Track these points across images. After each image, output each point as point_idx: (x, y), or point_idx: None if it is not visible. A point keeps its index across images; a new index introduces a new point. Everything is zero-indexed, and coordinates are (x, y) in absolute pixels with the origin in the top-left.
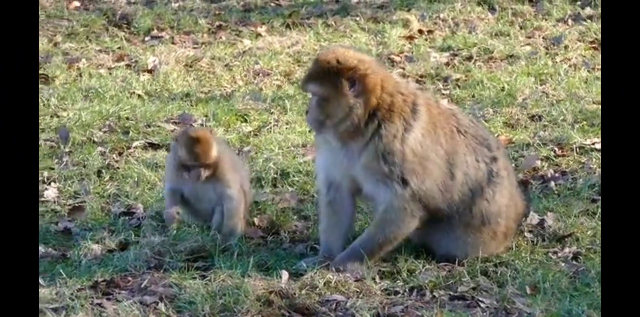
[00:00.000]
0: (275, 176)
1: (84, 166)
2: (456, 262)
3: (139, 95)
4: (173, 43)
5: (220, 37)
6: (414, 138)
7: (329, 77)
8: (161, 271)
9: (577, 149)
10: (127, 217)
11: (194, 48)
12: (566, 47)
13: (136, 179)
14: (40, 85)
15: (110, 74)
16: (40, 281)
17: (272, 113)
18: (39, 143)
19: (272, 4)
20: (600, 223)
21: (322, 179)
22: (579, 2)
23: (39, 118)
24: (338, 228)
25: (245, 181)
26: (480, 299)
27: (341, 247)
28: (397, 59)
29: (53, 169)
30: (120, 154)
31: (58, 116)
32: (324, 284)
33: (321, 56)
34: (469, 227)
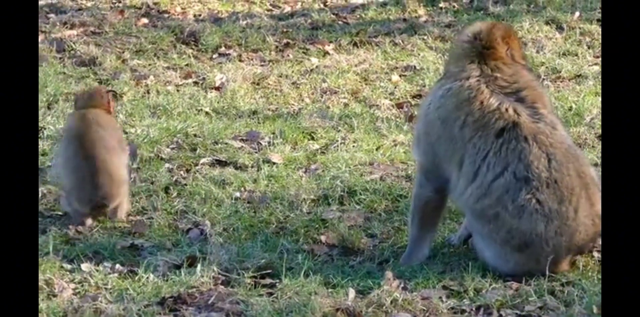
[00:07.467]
0: (342, 193)
1: (152, 183)
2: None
3: (206, 113)
4: (240, 60)
5: (288, 55)
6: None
7: None
8: (228, 288)
9: None
10: (194, 234)
11: (262, 66)
12: None
13: (203, 196)
14: None
15: (177, 91)
16: (108, 296)
17: (339, 131)
18: None
19: (340, 22)
20: None
21: None
22: None
23: None
24: None
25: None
26: None
27: None
28: None
29: None
30: (187, 170)
31: (126, 132)
32: (391, 302)
33: None
34: (507, 245)
